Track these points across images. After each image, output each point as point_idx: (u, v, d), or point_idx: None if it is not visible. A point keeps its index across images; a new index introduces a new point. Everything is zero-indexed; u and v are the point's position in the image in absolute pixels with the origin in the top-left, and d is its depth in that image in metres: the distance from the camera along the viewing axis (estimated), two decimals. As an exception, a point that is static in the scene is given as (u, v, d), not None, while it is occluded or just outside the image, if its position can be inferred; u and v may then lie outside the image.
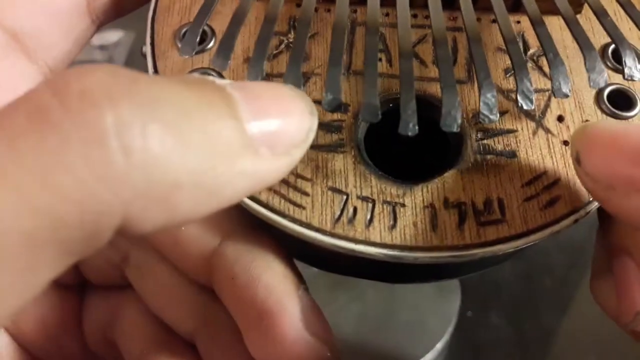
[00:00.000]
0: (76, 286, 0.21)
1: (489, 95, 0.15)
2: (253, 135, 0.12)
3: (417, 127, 0.15)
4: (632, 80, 0.17)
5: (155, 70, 0.19)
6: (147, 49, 0.19)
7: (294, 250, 0.18)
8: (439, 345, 0.38)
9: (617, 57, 0.18)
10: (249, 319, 0.17)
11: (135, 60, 0.50)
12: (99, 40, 0.49)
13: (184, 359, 0.18)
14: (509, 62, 0.18)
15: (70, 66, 0.21)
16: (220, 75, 0.18)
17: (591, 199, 0.16)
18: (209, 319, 0.18)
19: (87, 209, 0.10)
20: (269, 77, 0.18)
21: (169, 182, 0.11)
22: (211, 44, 0.19)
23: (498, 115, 0.15)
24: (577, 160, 0.15)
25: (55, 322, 0.21)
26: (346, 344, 0.37)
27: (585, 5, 0.18)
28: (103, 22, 0.21)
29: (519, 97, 0.15)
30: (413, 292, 0.39)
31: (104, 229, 0.11)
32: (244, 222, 0.18)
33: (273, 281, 0.16)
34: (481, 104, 0.15)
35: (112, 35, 0.51)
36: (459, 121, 0.15)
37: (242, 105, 0.12)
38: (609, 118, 0.18)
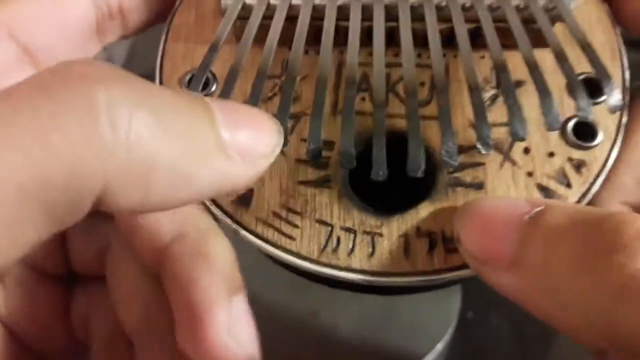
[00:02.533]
0: (65, 278, 0.23)
1: (449, 144, 0.18)
2: (226, 141, 0.15)
3: (386, 174, 0.18)
4: (586, 120, 0.20)
5: None
6: None
7: (286, 268, 0.22)
8: (440, 346, 0.39)
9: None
10: (182, 316, 0.19)
11: (134, 60, 0.53)
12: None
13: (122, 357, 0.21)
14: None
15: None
16: None
17: None
18: (150, 315, 0.20)
19: (73, 172, 0.12)
20: None
21: (147, 162, 0.13)
22: (214, 87, 0.22)
23: (457, 161, 0.18)
24: (458, 240, 0.19)
25: (46, 311, 0.22)
26: (346, 345, 0.39)
27: None
28: (109, 41, 0.24)
29: (478, 144, 0.19)
30: (414, 293, 0.42)
31: (85, 195, 0.13)
32: (202, 227, 0.20)
33: (209, 286, 0.19)
34: (443, 151, 0.18)
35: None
36: (423, 168, 0.18)
37: (219, 115, 0.15)
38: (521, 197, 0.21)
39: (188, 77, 0.22)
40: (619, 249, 0.15)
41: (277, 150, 0.17)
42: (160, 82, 0.23)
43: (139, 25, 0.24)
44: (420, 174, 0.18)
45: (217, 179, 0.15)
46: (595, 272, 0.15)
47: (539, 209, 0.17)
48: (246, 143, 0.16)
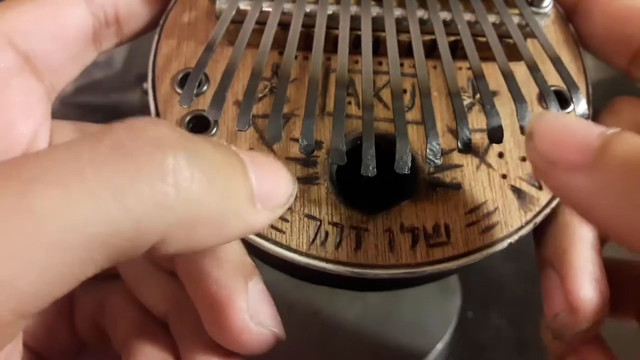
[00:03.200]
0: None
1: (434, 144, 0.20)
2: (254, 194, 0.17)
3: (375, 170, 0.19)
4: None
5: (157, 109, 0.24)
6: (149, 90, 0.24)
7: (276, 266, 0.23)
8: (440, 346, 0.41)
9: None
10: (203, 308, 0.20)
11: (134, 60, 0.54)
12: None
13: (159, 340, 0.22)
14: None
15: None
16: None
17: (523, 225, 0.21)
18: (180, 301, 0.22)
19: (139, 225, 0.14)
20: (254, 117, 0.23)
21: (197, 216, 0.15)
22: (205, 87, 0.24)
23: (441, 159, 0.20)
24: (530, 137, 0.19)
25: (50, 311, 0.23)
26: (347, 344, 0.40)
27: None
28: (104, 49, 0.25)
29: (459, 144, 0.20)
30: (414, 293, 0.41)
31: (144, 245, 0.15)
32: None
33: (222, 276, 0.20)
34: (427, 150, 0.20)
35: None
36: (409, 164, 0.20)
37: (250, 170, 0.17)
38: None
39: (180, 76, 0.24)
40: None
41: (292, 200, 0.19)
42: (153, 80, 0.24)
43: (134, 33, 0.26)
44: (407, 171, 0.19)
45: (243, 227, 0.17)
46: None
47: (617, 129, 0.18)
48: (268, 194, 0.18)
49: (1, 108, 0.21)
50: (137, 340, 0.22)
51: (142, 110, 0.46)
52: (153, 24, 0.26)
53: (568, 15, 0.27)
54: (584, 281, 0.21)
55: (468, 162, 0.23)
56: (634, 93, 0.25)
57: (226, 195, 0.16)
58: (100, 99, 0.53)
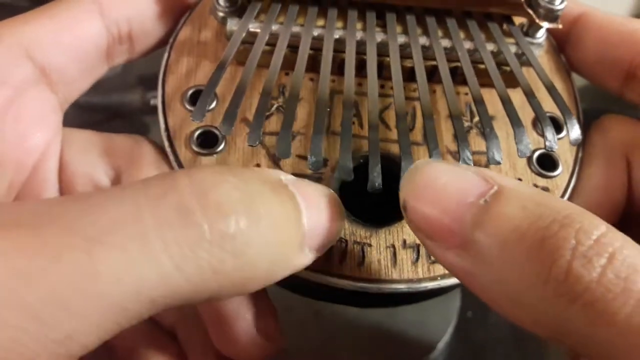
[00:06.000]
0: None
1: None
2: (305, 239, 0.18)
3: (381, 186, 0.21)
4: (552, 151, 0.23)
5: (166, 125, 0.25)
6: (159, 106, 0.25)
7: (280, 282, 0.24)
8: (439, 345, 0.41)
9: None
10: (211, 320, 0.21)
11: (134, 63, 0.55)
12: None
13: (168, 350, 0.23)
14: None
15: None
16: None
17: None
18: (188, 312, 0.23)
19: (196, 289, 0.15)
20: (262, 134, 0.24)
21: (251, 276, 0.16)
22: (213, 104, 0.25)
23: None
24: (404, 208, 0.18)
25: None
26: (347, 344, 0.41)
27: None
28: (115, 64, 0.26)
29: (460, 164, 0.21)
30: (414, 293, 0.43)
31: (197, 301, 0.16)
32: None
33: None
34: None
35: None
36: None
37: (304, 216, 0.18)
38: (454, 162, 0.23)
39: (190, 93, 0.25)
40: (577, 256, 0.15)
41: (339, 236, 0.19)
42: (163, 97, 0.25)
43: (144, 50, 0.27)
44: None
45: (288, 272, 0.18)
46: (547, 273, 0.15)
47: (493, 191, 0.17)
48: (319, 237, 0.18)
49: (17, 118, 0.22)
50: (145, 350, 0.23)
51: (142, 110, 0.47)
52: (163, 42, 0.27)
53: (560, 44, 0.28)
54: None
55: None
56: (625, 103, 0.27)
57: (279, 252, 0.17)
58: (100, 99, 0.54)
